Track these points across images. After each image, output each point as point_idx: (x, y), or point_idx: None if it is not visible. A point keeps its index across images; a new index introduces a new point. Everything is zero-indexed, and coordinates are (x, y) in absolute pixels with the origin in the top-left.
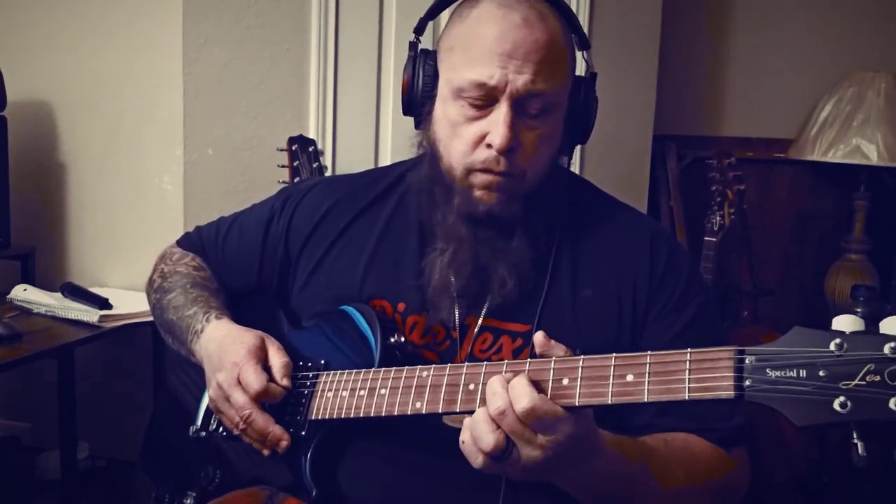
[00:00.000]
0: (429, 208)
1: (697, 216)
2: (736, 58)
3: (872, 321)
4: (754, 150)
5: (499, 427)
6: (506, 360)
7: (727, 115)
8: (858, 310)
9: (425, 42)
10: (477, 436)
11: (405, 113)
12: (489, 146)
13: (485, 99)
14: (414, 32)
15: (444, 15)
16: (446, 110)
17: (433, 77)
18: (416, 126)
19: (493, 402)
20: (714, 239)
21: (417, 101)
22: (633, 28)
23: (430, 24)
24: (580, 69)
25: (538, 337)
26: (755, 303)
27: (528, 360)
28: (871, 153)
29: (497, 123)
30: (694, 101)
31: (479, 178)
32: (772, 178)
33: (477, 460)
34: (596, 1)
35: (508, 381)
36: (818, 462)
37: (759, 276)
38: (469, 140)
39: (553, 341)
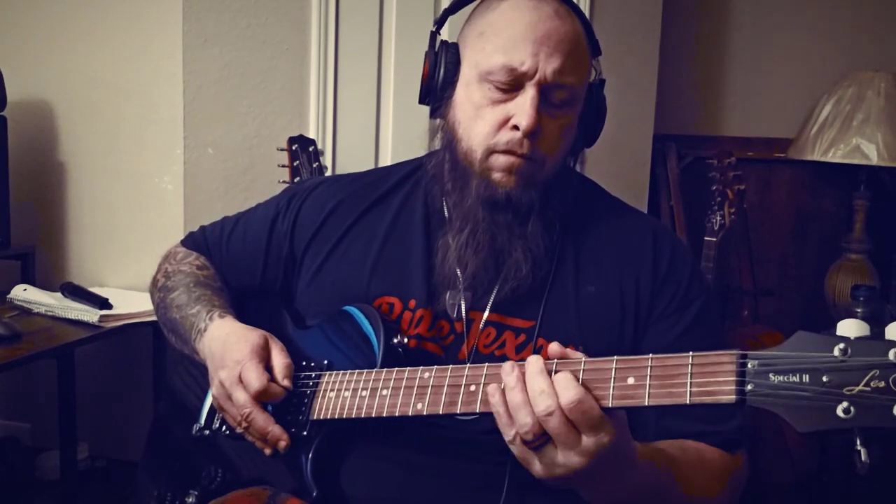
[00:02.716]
0: (442, 195)
1: (697, 216)
2: (736, 58)
3: (873, 321)
4: (754, 150)
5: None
6: (507, 363)
7: (727, 115)
8: (858, 310)
9: (426, 43)
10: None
11: (422, 101)
12: (514, 128)
13: (512, 84)
14: (435, 24)
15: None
16: (469, 93)
17: (455, 64)
18: (432, 114)
19: (541, 399)
20: (714, 239)
21: (437, 89)
22: (633, 28)
23: (431, 23)
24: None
25: (553, 348)
26: (755, 302)
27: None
28: (871, 153)
29: (524, 106)
30: (694, 101)
31: (500, 161)
32: (772, 178)
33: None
34: (596, 1)
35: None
36: (819, 461)
37: (759, 276)
38: (493, 122)
39: (567, 349)
